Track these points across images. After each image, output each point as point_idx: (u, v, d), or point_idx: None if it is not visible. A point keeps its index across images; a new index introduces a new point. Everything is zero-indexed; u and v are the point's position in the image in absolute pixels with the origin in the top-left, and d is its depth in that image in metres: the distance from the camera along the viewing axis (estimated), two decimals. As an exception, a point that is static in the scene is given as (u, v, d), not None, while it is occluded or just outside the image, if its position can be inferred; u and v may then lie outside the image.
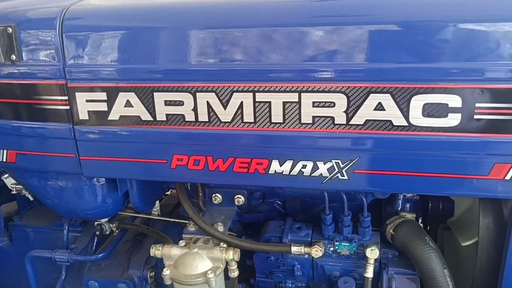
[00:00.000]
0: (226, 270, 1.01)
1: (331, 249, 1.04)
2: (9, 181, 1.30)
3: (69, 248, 1.24)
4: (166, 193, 1.37)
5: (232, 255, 0.96)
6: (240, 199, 1.10)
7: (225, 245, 1.00)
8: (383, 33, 0.77)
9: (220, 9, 0.86)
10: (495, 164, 0.78)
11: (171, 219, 1.22)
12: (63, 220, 1.30)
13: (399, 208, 1.04)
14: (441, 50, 0.75)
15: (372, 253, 0.98)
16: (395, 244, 1.01)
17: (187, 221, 1.09)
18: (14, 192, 1.31)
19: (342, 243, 1.02)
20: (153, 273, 1.16)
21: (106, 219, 1.22)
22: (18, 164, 1.02)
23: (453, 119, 0.77)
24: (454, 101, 0.76)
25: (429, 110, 0.77)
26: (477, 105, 0.75)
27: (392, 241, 1.02)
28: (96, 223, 1.23)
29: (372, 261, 0.99)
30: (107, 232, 1.24)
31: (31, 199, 1.35)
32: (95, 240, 1.28)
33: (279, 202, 1.18)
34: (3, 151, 1.02)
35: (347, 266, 1.04)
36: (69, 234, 1.29)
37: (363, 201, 0.97)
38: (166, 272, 0.95)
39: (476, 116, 0.76)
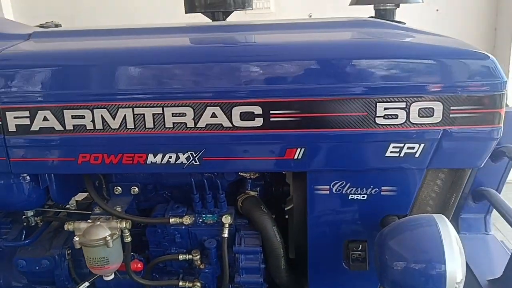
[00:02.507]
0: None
1: (200, 220, 1.44)
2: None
3: (1, 238, 1.56)
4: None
5: (125, 224, 1.35)
6: (135, 190, 1.49)
7: (121, 219, 1.38)
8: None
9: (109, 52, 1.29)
10: (287, 149, 1.24)
11: (85, 212, 1.59)
12: None
13: (247, 188, 1.48)
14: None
15: (226, 219, 1.40)
16: (243, 213, 1.44)
17: (96, 211, 1.46)
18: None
19: (207, 215, 1.44)
20: (70, 251, 1.50)
21: (31, 213, 1.56)
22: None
23: (258, 122, 1.21)
24: (258, 110, 1.21)
25: (243, 116, 1.21)
26: (271, 112, 1.21)
27: (241, 211, 1.45)
28: (23, 216, 1.56)
29: (227, 225, 1.40)
30: (33, 224, 1.57)
31: None
32: (24, 232, 1.60)
33: (168, 193, 1.58)
34: None
35: (212, 232, 1.45)
36: (0, 229, 1.60)
37: (217, 183, 1.40)
38: (76, 239, 1.32)
39: (271, 119, 1.21)
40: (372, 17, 1.61)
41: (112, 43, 1.37)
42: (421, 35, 1.35)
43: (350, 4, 1.65)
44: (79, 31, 1.51)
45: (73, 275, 1.51)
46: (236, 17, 1.91)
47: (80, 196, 1.73)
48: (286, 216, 1.55)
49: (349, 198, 1.30)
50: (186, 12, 1.94)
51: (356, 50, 1.21)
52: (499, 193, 1.75)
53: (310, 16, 3.92)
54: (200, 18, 1.93)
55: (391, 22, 1.46)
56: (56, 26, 1.81)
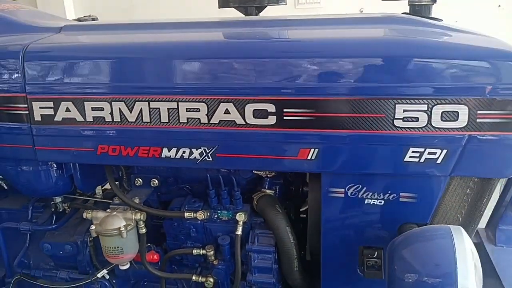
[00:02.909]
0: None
1: (215, 216, 1.44)
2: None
3: (32, 222, 1.64)
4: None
5: (139, 216, 1.37)
6: (155, 182, 1.51)
7: (137, 211, 1.41)
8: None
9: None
10: (300, 149, 1.20)
11: (110, 201, 1.63)
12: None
13: (264, 187, 1.46)
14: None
15: (240, 216, 1.38)
16: (258, 211, 1.42)
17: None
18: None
19: (223, 211, 1.43)
20: (91, 238, 1.56)
21: (60, 199, 1.62)
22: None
23: (271, 120, 1.18)
24: (271, 108, 1.18)
25: (256, 114, 1.19)
26: (285, 110, 1.18)
27: (256, 209, 1.43)
28: (52, 202, 1.63)
29: (241, 223, 1.39)
30: (61, 210, 1.64)
31: (6, 187, 1.75)
32: (53, 217, 1.68)
33: (188, 187, 1.59)
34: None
35: (226, 228, 1.44)
36: (32, 213, 1.68)
37: (233, 180, 1.39)
38: (92, 227, 1.36)
39: (284, 118, 1.18)
40: (406, 13, 1.52)
41: (135, 38, 1.39)
42: (454, 33, 1.26)
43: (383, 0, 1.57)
44: (108, 25, 1.55)
45: (94, 262, 1.56)
46: (281, 11, 1.87)
47: (109, 186, 1.79)
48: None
49: (365, 202, 1.24)
50: (219, 7, 1.94)
51: (376, 48, 1.15)
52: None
53: (362, 11, 3.79)
54: (234, 13, 1.92)
55: (424, 19, 1.37)
56: (93, 19, 1.86)
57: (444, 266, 0.96)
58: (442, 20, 1.44)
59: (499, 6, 3.32)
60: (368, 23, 1.39)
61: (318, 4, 3.97)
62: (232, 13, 1.91)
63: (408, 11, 1.50)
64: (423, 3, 1.49)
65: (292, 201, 1.54)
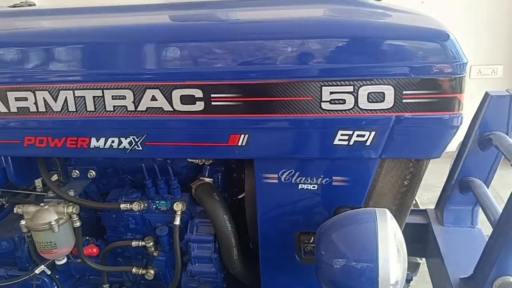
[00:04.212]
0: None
1: (154, 206, 1.40)
2: None
3: None
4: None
5: (72, 209, 1.33)
6: (92, 173, 1.46)
7: (71, 203, 1.36)
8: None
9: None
10: (230, 135, 1.17)
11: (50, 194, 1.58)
12: None
13: (204, 175, 1.42)
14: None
15: (177, 206, 1.35)
16: (197, 200, 1.39)
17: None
18: None
19: (161, 202, 1.40)
20: (30, 233, 1.50)
21: (-3, 195, 1.57)
22: None
23: (199, 106, 1.14)
24: (198, 93, 1.14)
25: (183, 100, 1.15)
26: (212, 95, 1.14)
27: (195, 198, 1.40)
28: (-12, 198, 1.58)
29: (179, 213, 1.36)
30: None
31: None
32: (-8, 213, 1.62)
33: (130, 177, 1.55)
34: None
35: (165, 219, 1.41)
36: None
37: (169, 169, 1.35)
38: (22, 222, 1.31)
39: (212, 103, 1.14)
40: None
41: (57, 23, 1.33)
42: (390, 12, 1.23)
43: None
44: (37, 10, 1.48)
45: (33, 258, 1.51)
46: None
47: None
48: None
49: (299, 187, 1.22)
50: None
51: (302, 29, 1.12)
52: (489, 183, 1.62)
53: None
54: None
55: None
56: (30, 5, 1.78)
57: (366, 251, 0.95)
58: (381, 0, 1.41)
59: (422, 2, 3.35)
60: (305, 2, 1.35)
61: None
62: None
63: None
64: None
65: (234, 188, 1.51)
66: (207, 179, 1.40)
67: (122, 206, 1.37)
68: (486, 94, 1.49)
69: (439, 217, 1.76)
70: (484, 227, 1.66)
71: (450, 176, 1.69)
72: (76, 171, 1.47)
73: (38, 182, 1.61)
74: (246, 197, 1.31)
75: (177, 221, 1.35)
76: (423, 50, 1.04)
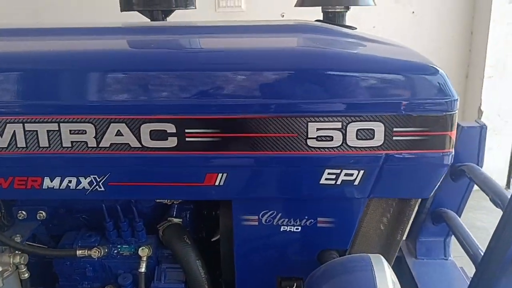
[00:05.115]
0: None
1: (115, 251, 1.25)
2: None
3: None
4: None
5: (19, 259, 1.15)
6: (41, 215, 1.28)
7: (18, 252, 1.18)
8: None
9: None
10: (206, 174, 1.06)
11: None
12: None
13: (171, 215, 1.29)
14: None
15: (143, 251, 1.21)
16: (165, 244, 1.25)
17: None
18: None
19: (123, 246, 1.25)
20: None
21: None
22: None
23: (171, 142, 1.03)
24: (171, 128, 1.02)
25: (154, 135, 1.02)
26: (187, 131, 1.03)
27: (163, 241, 1.26)
28: None
29: (144, 258, 1.21)
30: None
31: None
32: None
33: (85, 217, 1.38)
34: None
35: (129, 265, 1.25)
36: None
37: (133, 209, 1.21)
38: (-41, 277, 1.12)
39: (187, 139, 1.03)
40: (320, 20, 1.44)
41: (5, 45, 1.16)
42: (367, 43, 1.18)
43: (295, 6, 1.48)
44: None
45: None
46: (200, 15, 1.71)
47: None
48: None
49: (281, 230, 1.12)
50: (121, 10, 1.76)
51: (284, 60, 1.04)
52: (460, 214, 1.61)
53: (283, 15, 3.75)
54: (138, 18, 1.75)
55: (338, 28, 1.30)
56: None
57: (364, 303, 0.87)
58: (356, 28, 1.37)
59: (413, 12, 3.44)
60: (281, 31, 1.28)
61: (239, 8, 3.86)
62: (136, 18, 1.73)
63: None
64: (337, 10, 1.42)
65: (205, 228, 1.38)
66: (176, 220, 1.27)
67: (79, 252, 1.20)
68: (458, 125, 1.48)
69: (411, 249, 1.72)
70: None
71: (421, 206, 1.67)
72: (23, 212, 1.28)
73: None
74: (221, 240, 1.20)
75: (143, 268, 1.21)
76: (413, 85, 0.99)
